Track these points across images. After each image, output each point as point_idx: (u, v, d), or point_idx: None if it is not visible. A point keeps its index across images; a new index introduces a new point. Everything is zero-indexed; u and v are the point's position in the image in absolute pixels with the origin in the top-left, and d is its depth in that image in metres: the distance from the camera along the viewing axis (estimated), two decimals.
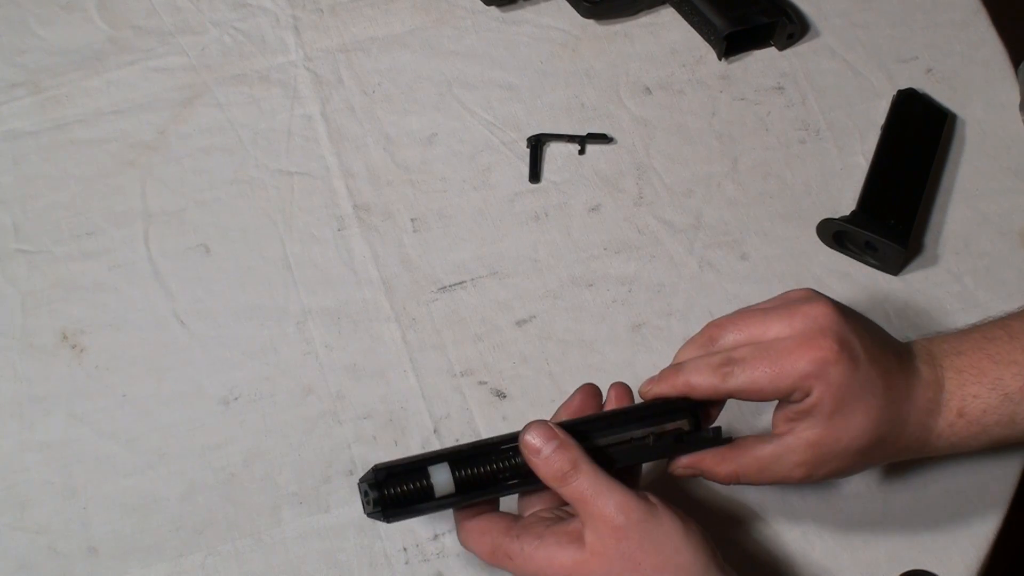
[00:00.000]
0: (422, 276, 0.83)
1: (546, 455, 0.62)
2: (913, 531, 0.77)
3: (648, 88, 0.89)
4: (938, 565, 0.75)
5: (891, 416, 0.65)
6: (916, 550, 0.76)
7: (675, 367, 0.66)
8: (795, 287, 0.68)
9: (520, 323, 0.82)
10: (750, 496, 0.77)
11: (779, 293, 0.68)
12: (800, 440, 0.65)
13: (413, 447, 0.77)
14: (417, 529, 0.76)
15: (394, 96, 0.88)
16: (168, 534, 0.75)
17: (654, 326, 0.82)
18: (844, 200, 0.86)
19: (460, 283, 0.83)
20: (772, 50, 0.91)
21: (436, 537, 0.76)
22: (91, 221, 0.83)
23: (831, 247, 0.84)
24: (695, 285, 0.83)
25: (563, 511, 0.66)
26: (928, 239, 0.85)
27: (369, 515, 0.63)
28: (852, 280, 0.84)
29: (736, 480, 0.67)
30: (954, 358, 0.67)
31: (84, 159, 0.85)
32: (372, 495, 0.62)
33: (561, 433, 0.63)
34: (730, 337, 0.66)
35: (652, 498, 0.63)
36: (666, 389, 0.66)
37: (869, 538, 0.76)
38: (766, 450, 0.66)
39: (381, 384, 0.80)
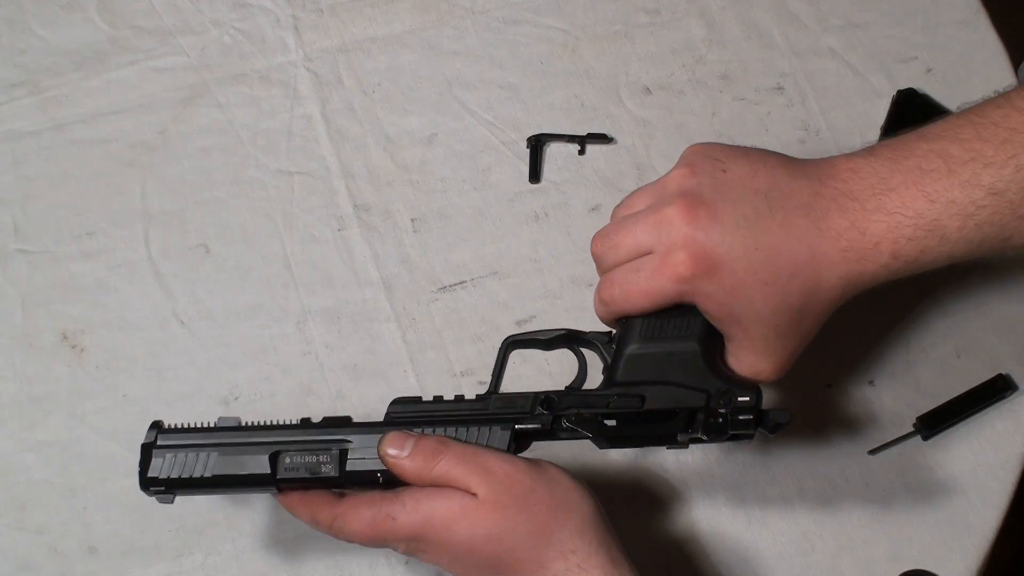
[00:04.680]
0: (422, 276, 0.83)
1: (408, 451, 0.63)
2: (913, 531, 0.77)
3: (648, 88, 0.89)
4: (938, 565, 0.75)
5: (798, 289, 0.62)
6: (916, 550, 0.76)
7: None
8: None
9: (520, 323, 0.82)
10: (750, 496, 0.77)
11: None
12: (731, 344, 0.65)
13: None
14: None
15: (394, 96, 0.88)
16: (168, 534, 0.75)
17: None
18: None
19: (460, 283, 0.83)
20: (772, 50, 0.90)
21: None
22: (91, 221, 0.83)
23: None
24: None
25: None
26: None
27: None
28: None
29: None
30: (882, 196, 0.62)
31: (84, 159, 0.85)
32: None
33: (415, 434, 0.64)
34: (609, 258, 0.66)
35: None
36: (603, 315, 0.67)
37: (869, 538, 0.76)
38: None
39: (381, 384, 0.80)
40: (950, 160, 0.62)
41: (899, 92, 0.88)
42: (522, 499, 0.61)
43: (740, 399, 0.64)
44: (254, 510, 0.76)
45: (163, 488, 0.65)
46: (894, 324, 0.82)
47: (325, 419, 0.67)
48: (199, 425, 0.66)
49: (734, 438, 0.65)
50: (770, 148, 0.86)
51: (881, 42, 0.91)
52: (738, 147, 0.66)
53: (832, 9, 0.92)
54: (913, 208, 0.62)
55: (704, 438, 0.65)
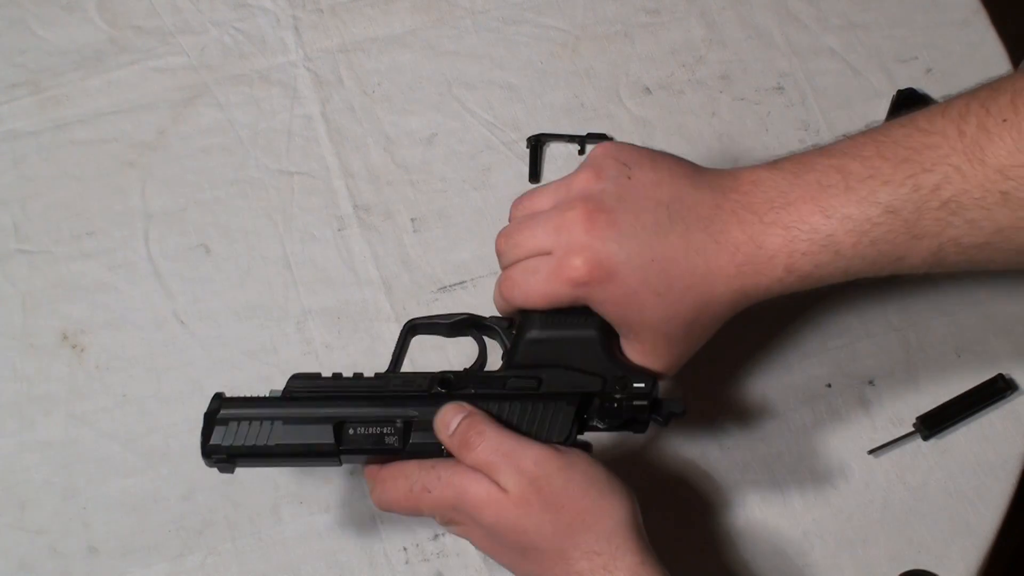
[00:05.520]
0: (422, 276, 0.83)
1: (453, 428, 0.63)
2: (913, 531, 0.77)
3: (648, 88, 0.89)
4: (938, 565, 0.75)
5: (691, 301, 0.63)
6: (916, 550, 0.76)
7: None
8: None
9: None
10: (750, 496, 0.77)
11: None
12: (623, 341, 0.66)
13: None
14: (417, 529, 0.76)
15: (394, 96, 0.88)
16: (168, 534, 0.75)
17: None
18: None
19: (460, 283, 0.83)
20: (772, 50, 0.91)
21: (436, 537, 0.76)
22: (91, 221, 0.83)
23: None
24: None
25: None
26: None
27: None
28: (854, 283, 0.84)
29: None
30: (780, 211, 0.62)
31: (84, 159, 0.85)
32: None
33: (469, 407, 0.64)
34: (511, 254, 0.66)
35: (568, 449, 0.64)
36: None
37: (869, 538, 0.76)
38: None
39: None
40: (849, 176, 0.62)
41: (899, 92, 0.88)
42: (550, 500, 0.61)
43: (635, 385, 0.65)
44: (254, 510, 0.76)
45: (224, 456, 0.65)
46: (894, 324, 0.82)
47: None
48: (260, 396, 0.66)
49: (628, 426, 0.66)
50: (770, 148, 0.87)
51: (881, 42, 0.91)
52: (647, 152, 0.66)
53: (832, 9, 0.92)
54: (809, 223, 0.62)
55: (599, 425, 0.66)
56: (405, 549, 0.76)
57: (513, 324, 0.68)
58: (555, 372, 0.66)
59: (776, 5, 0.92)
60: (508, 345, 0.68)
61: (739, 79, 0.90)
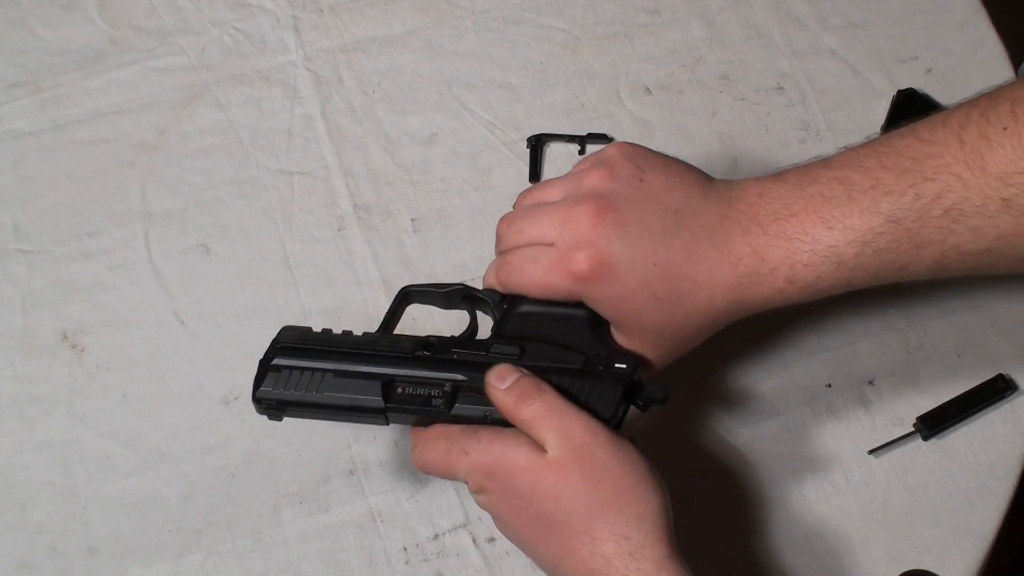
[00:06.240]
0: (422, 276, 0.83)
1: (509, 383, 0.63)
2: (913, 531, 0.77)
3: (648, 88, 0.89)
4: (938, 565, 0.75)
5: (689, 309, 0.64)
6: (916, 550, 0.76)
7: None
8: None
9: None
10: (750, 495, 0.77)
11: None
12: (614, 330, 0.67)
13: None
14: (417, 529, 0.76)
15: (394, 96, 0.88)
16: (168, 534, 0.75)
17: None
18: None
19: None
20: (772, 50, 0.91)
21: (436, 537, 0.76)
22: (91, 221, 0.83)
23: None
24: None
25: None
26: None
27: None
28: None
29: None
30: (784, 223, 0.63)
31: (84, 159, 0.85)
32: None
33: (524, 369, 0.64)
34: (512, 239, 0.67)
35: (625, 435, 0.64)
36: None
37: (869, 538, 0.76)
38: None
39: None
40: (851, 187, 0.63)
41: (899, 92, 0.88)
42: (590, 471, 0.61)
43: (617, 366, 0.65)
44: (254, 510, 0.76)
45: (273, 404, 0.66)
46: (894, 324, 0.82)
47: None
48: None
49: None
50: (770, 148, 0.87)
51: (881, 42, 0.91)
52: (661, 157, 0.67)
53: (832, 9, 0.92)
54: (811, 234, 0.63)
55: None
56: (405, 549, 0.76)
57: (505, 299, 0.68)
58: (539, 346, 0.66)
59: (776, 5, 0.92)
60: (498, 318, 0.68)
61: (739, 79, 0.90)
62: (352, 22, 0.90)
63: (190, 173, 0.85)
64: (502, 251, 0.68)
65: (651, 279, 0.63)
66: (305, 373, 0.65)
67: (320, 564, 0.75)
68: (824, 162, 0.65)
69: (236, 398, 0.79)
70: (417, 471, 0.69)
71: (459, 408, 0.65)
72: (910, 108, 0.88)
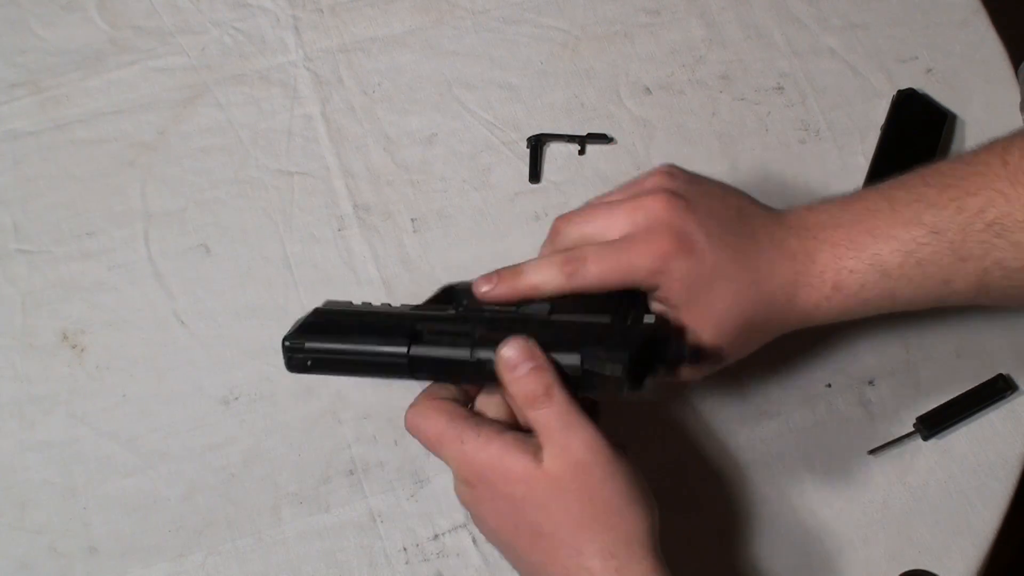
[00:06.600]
0: (422, 276, 0.83)
1: (521, 375, 0.61)
2: (913, 531, 0.77)
3: (648, 88, 0.89)
4: (938, 565, 0.75)
5: (753, 296, 0.65)
6: (916, 550, 0.76)
7: (515, 269, 0.66)
8: None
9: None
10: (750, 495, 0.77)
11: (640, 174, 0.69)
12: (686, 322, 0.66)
13: (413, 446, 0.77)
14: (417, 529, 0.76)
15: (394, 96, 0.88)
16: (168, 534, 0.76)
17: None
18: None
19: None
20: (772, 50, 0.91)
21: (436, 537, 0.76)
22: (91, 221, 0.83)
23: None
24: None
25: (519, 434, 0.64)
26: None
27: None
28: None
29: None
30: (831, 231, 0.66)
31: (84, 159, 0.85)
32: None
33: (540, 355, 0.61)
34: (575, 232, 0.67)
35: (616, 444, 0.62)
36: (505, 292, 0.66)
37: (869, 538, 0.76)
38: None
39: (381, 384, 0.80)
40: (895, 202, 0.66)
41: (899, 92, 0.88)
42: (584, 489, 0.61)
43: (646, 318, 0.64)
44: (254, 510, 0.76)
45: (300, 348, 0.65)
46: (894, 324, 0.82)
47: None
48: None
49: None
50: (770, 148, 0.87)
51: (881, 42, 0.91)
52: (705, 176, 0.69)
53: (832, 9, 0.92)
54: (857, 241, 0.65)
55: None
56: (405, 549, 0.76)
57: (554, 309, 0.66)
58: (569, 302, 0.65)
59: (776, 5, 0.92)
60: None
61: (739, 79, 0.90)
62: (352, 22, 0.90)
63: (190, 173, 0.85)
64: (562, 248, 0.67)
65: (723, 260, 0.64)
66: (334, 326, 0.65)
67: (320, 564, 0.75)
68: (871, 186, 0.68)
69: (236, 398, 0.79)
70: (408, 432, 0.65)
71: (480, 352, 0.62)
72: (910, 108, 0.88)
